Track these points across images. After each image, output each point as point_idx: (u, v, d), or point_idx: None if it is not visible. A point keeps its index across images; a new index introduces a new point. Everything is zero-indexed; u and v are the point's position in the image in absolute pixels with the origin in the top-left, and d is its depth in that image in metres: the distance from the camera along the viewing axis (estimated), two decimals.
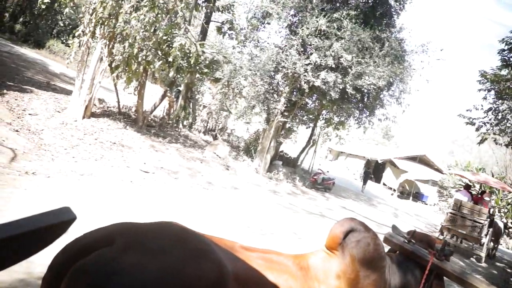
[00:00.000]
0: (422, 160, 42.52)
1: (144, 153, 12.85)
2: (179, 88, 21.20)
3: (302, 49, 15.87)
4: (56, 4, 15.04)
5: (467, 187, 15.87)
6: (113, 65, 13.87)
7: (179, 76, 17.40)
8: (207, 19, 20.44)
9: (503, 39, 16.55)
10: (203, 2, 18.62)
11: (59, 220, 0.93)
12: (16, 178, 7.35)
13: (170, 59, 13.62)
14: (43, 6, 13.04)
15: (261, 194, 14.07)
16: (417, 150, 50.13)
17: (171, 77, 16.56)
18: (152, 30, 12.52)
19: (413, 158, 42.01)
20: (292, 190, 16.62)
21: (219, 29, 20.37)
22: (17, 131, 10.72)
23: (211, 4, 19.09)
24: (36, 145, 10.31)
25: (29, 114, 12.33)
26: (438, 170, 41.35)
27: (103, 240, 1.44)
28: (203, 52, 15.67)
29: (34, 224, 0.84)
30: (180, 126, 18.90)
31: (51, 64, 27.90)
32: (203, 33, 20.40)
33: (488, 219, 14.06)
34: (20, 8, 36.68)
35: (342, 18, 15.42)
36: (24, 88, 15.09)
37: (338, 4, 16.57)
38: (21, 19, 37.65)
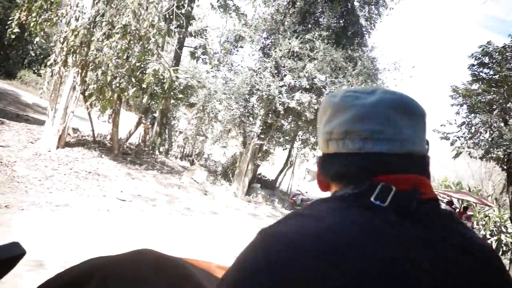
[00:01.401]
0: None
1: (121, 181, 12.65)
2: (154, 114, 21.07)
3: (276, 71, 15.97)
4: (26, 33, 14.78)
5: (450, 203, 16.04)
6: (86, 94, 13.72)
7: (153, 102, 17.29)
8: (180, 45, 20.49)
9: (472, 54, 17.01)
10: (175, 28, 18.65)
11: (8, 256, 0.91)
12: None
13: (144, 85, 13.54)
14: (13, 36, 12.82)
15: (241, 217, 13.95)
16: None
17: (145, 104, 16.45)
18: (124, 57, 12.44)
19: None
20: (272, 213, 16.52)
21: (192, 54, 20.45)
22: None
23: (184, 30, 19.16)
24: (8, 177, 10.04)
25: (1, 146, 12.04)
26: None
27: (83, 276, 1.40)
28: (177, 77, 15.66)
29: None
30: (157, 152, 18.72)
31: (23, 95, 27.55)
32: (177, 59, 20.42)
33: None
34: None
35: (314, 39, 15.62)
36: None
37: (310, 26, 16.81)
38: None
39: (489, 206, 22.05)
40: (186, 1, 18.92)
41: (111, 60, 12.14)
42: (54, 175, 11.25)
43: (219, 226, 11.75)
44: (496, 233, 23.16)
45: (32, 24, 12.41)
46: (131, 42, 12.48)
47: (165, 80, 13.63)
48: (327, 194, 0.98)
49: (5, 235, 6.18)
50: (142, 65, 13.80)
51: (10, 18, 13.14)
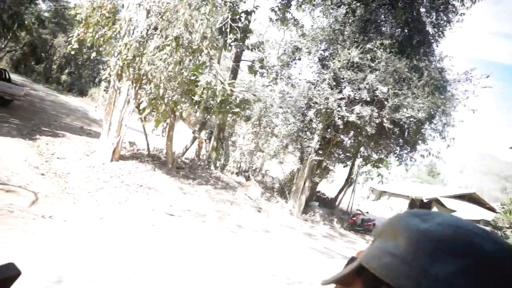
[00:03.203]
0: (471, 199, 40.11)
1: (171, 196, 12.41)
2: (211, 129, 20.93)
3: (334, 83, 15.15)
4: (94, 52, 15.07)
5: None
6: (140, 107, 13.71)
7: (209, 116, 17.07)
8: (237, 58, 20.27)
9: None
10: (232, 41, 18.44)
11: (2, 276, 0.89)
12: (28, 222, 6.99)
13: (197, 98, 13.29)
14: (72, 52, 13.09)
15: (294, 237, 13.24)
16: (466, 188, 47.66)
17: (200, 118, 16.25)
18: (176, 70, 12.24)
19: (461, 197, 39.64)
20: (329, 233, 15.65)
21: (250, 68, 20.14)
22: (43, 174, 10.59)
23: (241, 43, 18.91)
24: (60, 188, 10.09)
25: (57, 157, 12.23)
26: (490, 208, 38.78)
27: None
28: (232, 91, 15.34)
29: None
30: (212, 167, 18.45)
31: (92, 111, 28.50)
32: (234, 73, 20.19)
33: None
34: (65, 60, 38.31)
35: (375, 49, 14.70)
36: (57, 133, 15.21)
37: (371, 34, 15.74)
38: (66, 70, 39.35)
39: None
40: (243, 15, 18.69)
41: (163, 73, 12.00)
42: (105, 187, 11.19)
43: (269, 245, 11.11)
44: None
45: (88, 39, 12.57)
46: (183, 54, 12.30)
47: (217, 93, 13.30)
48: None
49: (33, 247, 5.93)
50: (196, 78, 13.58)
51: (70, 35, 13.47)
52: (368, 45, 14.83)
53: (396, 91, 14.57)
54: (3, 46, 33.59)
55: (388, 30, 16.38)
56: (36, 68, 39.03)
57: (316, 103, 15.18)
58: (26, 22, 28.45)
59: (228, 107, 16.35)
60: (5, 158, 10.36)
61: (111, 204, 10.12)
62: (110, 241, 7.29)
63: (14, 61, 38.43)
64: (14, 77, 31.50)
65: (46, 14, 38.92)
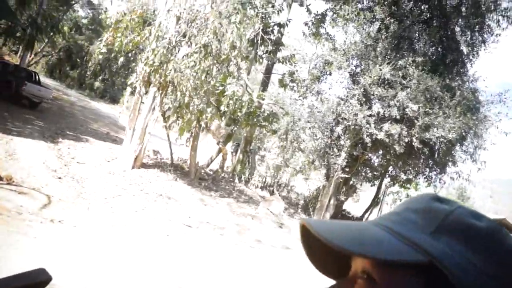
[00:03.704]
0: (502, 225, 38.50)
1: (191, 207, 12.10)
2: (238, 142, 20.66)
3: (364, 99, 14.70)
4: (122, 57, 15.06)
5: None
6: (166, 115, 13.55)
7: (235, 128, 16.81)
8: (268, 71, 20.03)
9: None
10: (263, 53, 18.23)
11: (34, 281, 0.89)
12: (34, 225, 6.75)
13: (222, 108, 13.03)
14: (100, 56, 13.05)
15: None
16: (496, 214, 45.76)
17: (224, 129, 16.00)
18: (203, 78, 12.03)
19: None
20: None
21: (280, 81, 19.86)
22: (59, 178, 10.43)
23: (272, 56, 18.67)
24: (75, 193, 9.89)
25: (77, 162, 12.11)
26: None
27: None
28: (259, 102, 15.04)
29: (6, 285, 0.85)
30: (236, 180, 18.11)
31: (121, 118, 28.72)
32: (264, 85, 19.92)
33: None
34: (100, 67, 38.94)
35: (407, 66, 14.21)
36: (81, 137, 15.16)
37: (403, 51, 15.32)
38: (100, 77, 39.99)
39: None
40: (276, 27, 18.49)
41: (189, 81, 11.80)
42: (122, 195, 10.97)
43: (288, 262, 10.64)
44: None
45: (116, 44, 12.51)
46: (211, 63, 12.09)
47: (243, 104, 13.01)
48: None
49: (32, 251, 5.69)
50: (225, 89, 13.34)
51: (99, 39, 13.47)
52: (400, 62, 14.37)
53: (427, 109, 14.02)
54: (39, 50, 34.31)
55: (421, 47, 15.84)
56: (70, 74, 39.76)
57: (344, 119, 14.74)
58: (60, 26, 29.00)
59: (255, 120, 16.07)
60: (23, 160, 10.26)
61: (127, 212, 9.86)
62: (116, 249, 6.99)
63: (50, 65, 39.25)
64: (48, 81, 32.31)
65: (84, 21, 39.78)
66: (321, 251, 0.68)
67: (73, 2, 33.40)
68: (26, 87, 16.76)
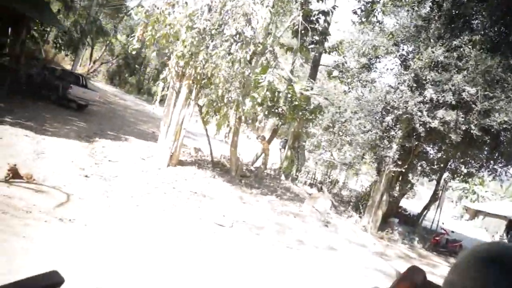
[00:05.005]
0: None
1: (227, 205, 11.45)
2: (286, 138, 19.88)
3: (415, 85, 13.36)
4: (155, 52, 14.74)
5: None
6: (203, 110, 13.01)
7: (280, 123, 16.02)
8: (316, 62, 19.08)
9: None
10: (309, 44, 17.31)
11: (47, 284, 0.95)
12: (34, 224, 6.34)
13: (259, 99, 12.28)
14: (133, 52, 12.73)
15: (363, 257, 11.56)
16: None
17: (265, 123, 15.27)
18: (236, 68, 11.36)
19: None
20: (406, 253, 13.74)
21: (329, 74, 18.88)
22: (86, 176, 10.13)
23: (318, 46, 17.71)
24: (100, 191, 9.53)
25: (109, 160, 11.83)
26: None
27: None
28: (301, 93, 14.17)
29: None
30: (283, 177, 17.30)
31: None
32: (313, 77, 18.93)
33: None
34: (157, 72, 39.53)
35: (463, 45, 12.72)
36: (120, 137, 14.99)
37: (457, 31, 13.79)
38: (157, 82, 40.54)
39: None
40: (321, 16, 17.50)
41: (221, 72, 11.17)
42: (152, 192, 10.51)
43: (331, 265, 9.71)
44: None
45: (147, 38, 12.12)
46: (244, 51, 11.39)
47: (280, 95, 12.20)
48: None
49: (15, 252, 5.22)
50: (259, 79, 12.64)
51: (132, 35, 13.16)
52: (455, 42, 12.83)
53: (486, 93, 12.44)
54: (97, 58, 35.22)
55: (478, 25, 14.14)
56: (129, 80, 40.56)
57: (394, 107, 13.50)
58: (113, 34, 29.45)
59: (301, 113, 15.23)
60: (51, 158, 10.05)
61: (153, 210, 9.36)
62: (119, 250, 6.43)
63: (110, 73, 40.27)
64: (108, 88, 33.11)
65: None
66: None
67: (124, 12, 33.96)
68: (71, 90, 16.95)
